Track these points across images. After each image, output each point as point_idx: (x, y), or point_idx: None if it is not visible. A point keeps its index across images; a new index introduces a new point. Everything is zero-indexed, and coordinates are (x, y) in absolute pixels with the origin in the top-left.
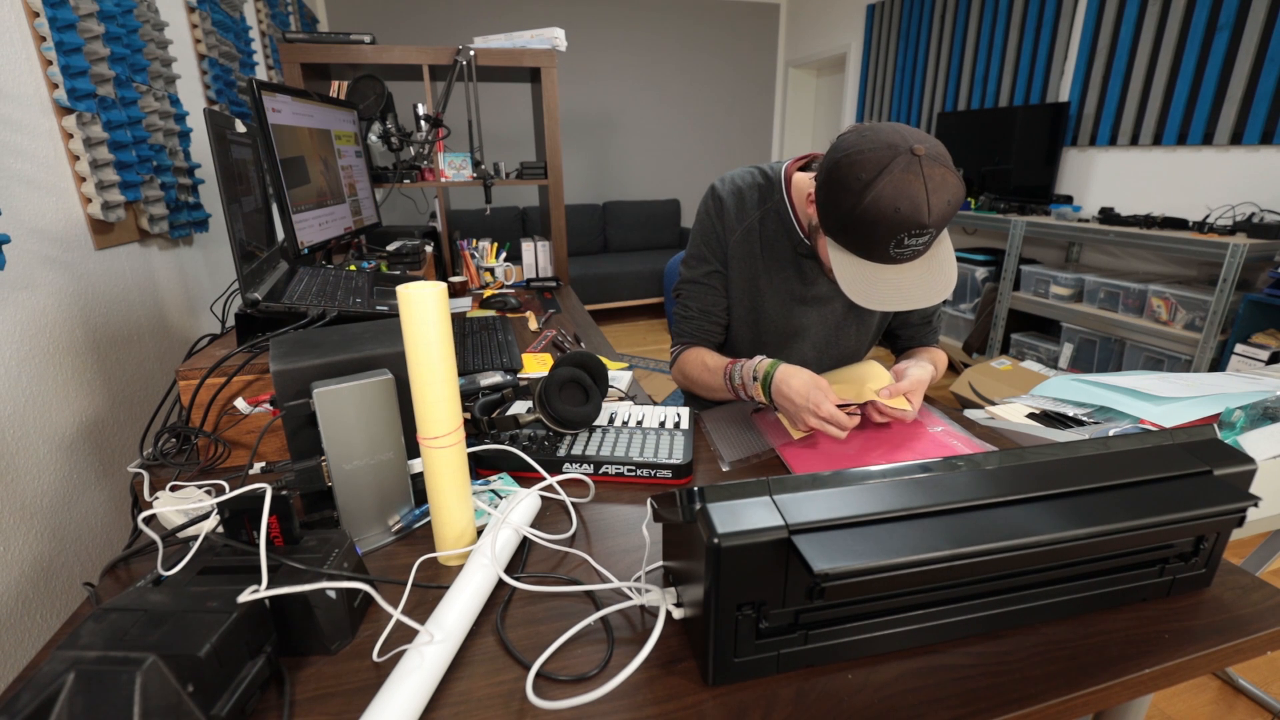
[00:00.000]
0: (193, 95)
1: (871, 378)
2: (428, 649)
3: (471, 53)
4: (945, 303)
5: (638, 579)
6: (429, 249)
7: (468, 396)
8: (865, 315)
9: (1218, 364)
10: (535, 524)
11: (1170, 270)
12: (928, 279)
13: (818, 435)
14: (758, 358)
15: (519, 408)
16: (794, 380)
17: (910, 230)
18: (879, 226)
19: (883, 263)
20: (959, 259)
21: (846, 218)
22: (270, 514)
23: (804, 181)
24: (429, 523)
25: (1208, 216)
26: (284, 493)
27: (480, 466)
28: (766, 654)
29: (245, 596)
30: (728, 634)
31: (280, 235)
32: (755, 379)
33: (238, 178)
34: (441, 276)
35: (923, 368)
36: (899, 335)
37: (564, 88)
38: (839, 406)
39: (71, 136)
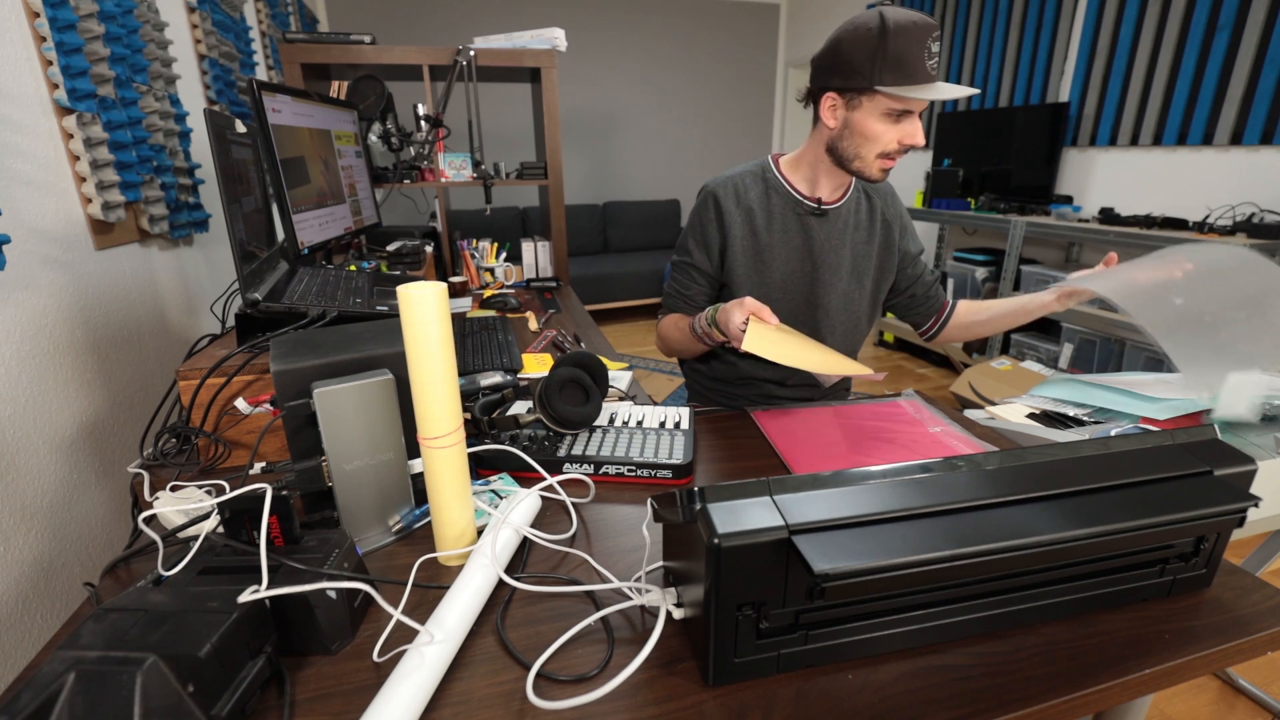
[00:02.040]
0: (193, 95)
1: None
2: (428, 649)
3: (471, 53)
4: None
5: (638, 579)
6: (429, 249)
7: (468, 396)
8: (863, 275)
9: None
10: (535, 524)
11: None
12: (954, 87)
13: (817, 435)
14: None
15: (519, 408)
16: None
17: (931, 35)
18: (912, 40)
19: (925, 82)
20: (958, 259)
21: (884, 51)
22: (270, 514)
23: (788, 158)
24: (429, 523)
25: (1208, 217)
26: (284, 493)
27: (480, 466)
28: (767, 654)
29: (246, 596)
30: (728, 634)
31: (280, 235)
32: (709, 321)
33: (238, 178)
34: (441, 277)
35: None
36: (917, 308)
37: (564, 88)
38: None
39: (72, 137)
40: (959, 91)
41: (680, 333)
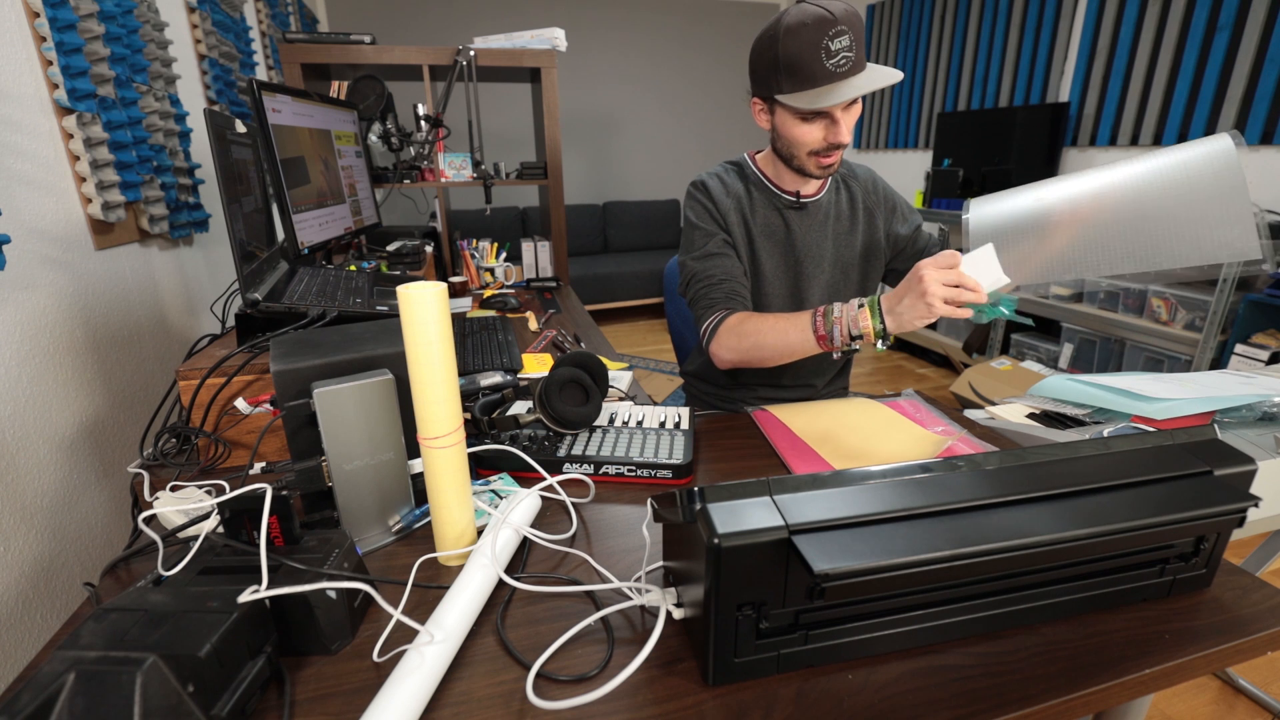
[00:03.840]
0: (193, 95)
1: (868, 419)
2: (428, 649)
3: (472, 53)
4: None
5: (638, 579)
6: (429, 249)
7: (468, 396)
8: (848, 267)
9: (1218, 364)
10: (535, 524)
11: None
12: (873, 76)
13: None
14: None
15: (519, 408)
16: (886, 294)
17: (828, 33)
18: (803, 45)
19: (828, 82)
20: None
21: (776, 59)
22: (270, 514)
23: (764, 154)
24: (429, 523)
25: None
26: (284, 493)
27: (480, 466)
28: (767, 654)
29: (245, 596)
30: (728, 634)
31: (280, 235)
32: (861, 305)
33: (238, 178)
34: (442, 277)
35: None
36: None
37: (564, 88)
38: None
39: (72, 137)
40: (874, 82)
41: (782, 322)
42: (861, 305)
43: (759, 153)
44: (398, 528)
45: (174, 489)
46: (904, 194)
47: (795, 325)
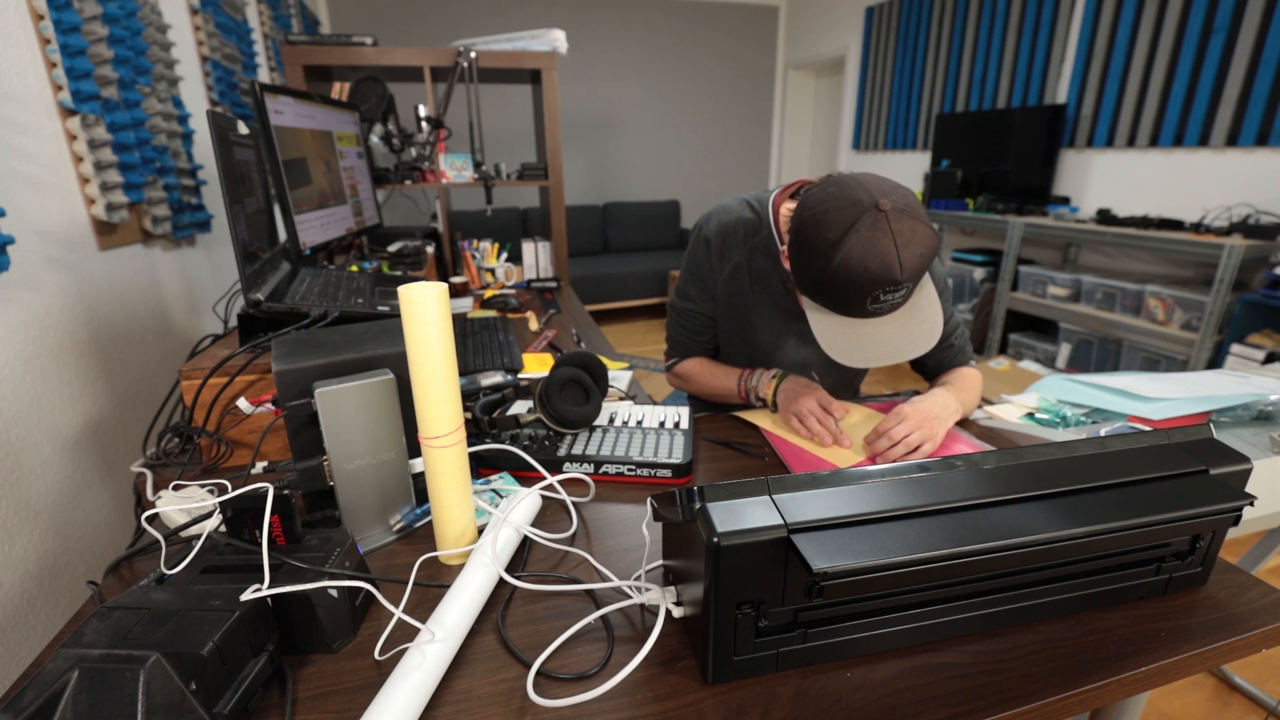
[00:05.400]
0: (195, 97)
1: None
2: (429, 647)
3: (472, 54)
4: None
5: (638, 578)
6: (430, 250)
7: (469, 396)
8: None
9: (1214, 364)
10: (536, 523)
11: (1167, 271)
12: (909, 329)
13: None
14: (774, 370)
15: (519, 407)
16: (787, 383)
17: (884, 287)
18: (851, 286)
19: (861, 318)
20: (958, 260)
21: (818, 278)
22: (272, 513)
23: (789, 205)
24: (430, 522)
25: (1204, 217)
26: (286, 492)
27: (481, 466)
28: (766, 652)
29: (248, 595)
30: (727, 632)
31: (282, 236)
32: (772, 378)
33: (240, 179)
34: (442, 277)
35: (917, 402)
36: (925, 363)
37: (564, 89)
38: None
39: (76, 138)
40: (905, 342)
41: (719, 380)
42: (773, 378)
43: (793, 194)
44: (399, 527)
45: (176, 488)
46: None
47: (728, 380)
